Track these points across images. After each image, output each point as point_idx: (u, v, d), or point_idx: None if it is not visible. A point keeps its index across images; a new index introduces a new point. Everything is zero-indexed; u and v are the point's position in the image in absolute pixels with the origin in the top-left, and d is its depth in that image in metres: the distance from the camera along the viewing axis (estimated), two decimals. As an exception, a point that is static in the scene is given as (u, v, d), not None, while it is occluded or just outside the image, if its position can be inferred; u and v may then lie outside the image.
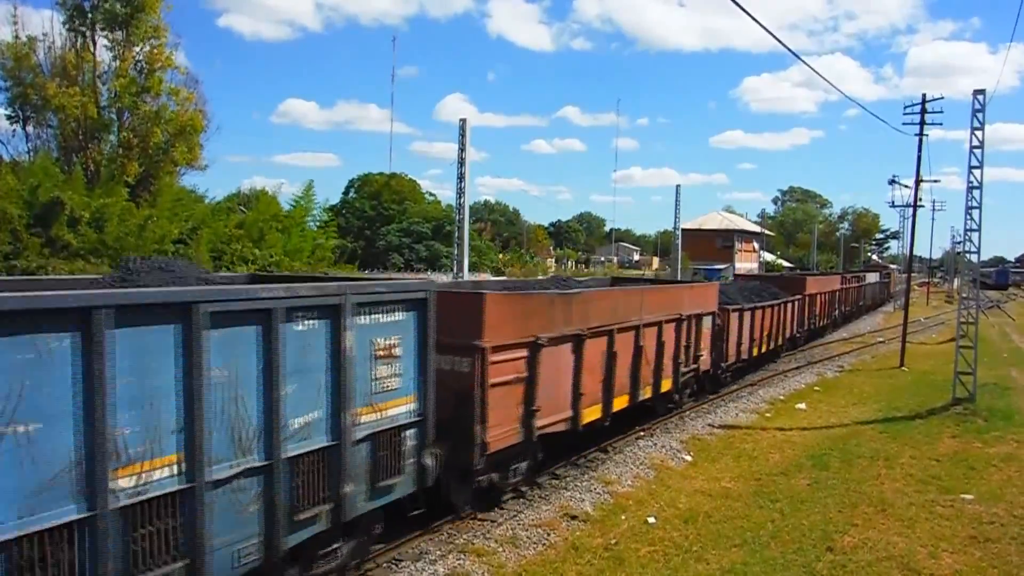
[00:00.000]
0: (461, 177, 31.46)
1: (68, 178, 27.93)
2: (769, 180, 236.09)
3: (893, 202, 52.91)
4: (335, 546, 7.30)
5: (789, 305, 25.25)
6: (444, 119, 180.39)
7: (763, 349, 22.45)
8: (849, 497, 10.93)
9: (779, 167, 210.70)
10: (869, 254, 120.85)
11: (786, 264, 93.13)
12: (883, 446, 13.94)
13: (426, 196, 77.96)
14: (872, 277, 50.58)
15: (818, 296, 30.21)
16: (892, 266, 79.44)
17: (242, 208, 37.64)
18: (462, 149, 31.53)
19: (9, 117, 30.95)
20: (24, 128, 31.14)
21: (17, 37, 29.79)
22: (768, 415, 16.83)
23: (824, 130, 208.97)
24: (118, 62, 30.77)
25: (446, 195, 76.38)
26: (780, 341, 24.50)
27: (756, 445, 13.99)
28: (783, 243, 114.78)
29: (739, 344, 19.79)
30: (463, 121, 31.80)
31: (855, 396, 19.37)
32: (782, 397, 18.97)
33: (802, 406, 17.80)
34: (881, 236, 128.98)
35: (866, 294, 46.40)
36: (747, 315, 20.29)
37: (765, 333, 22.32)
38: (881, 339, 33.02)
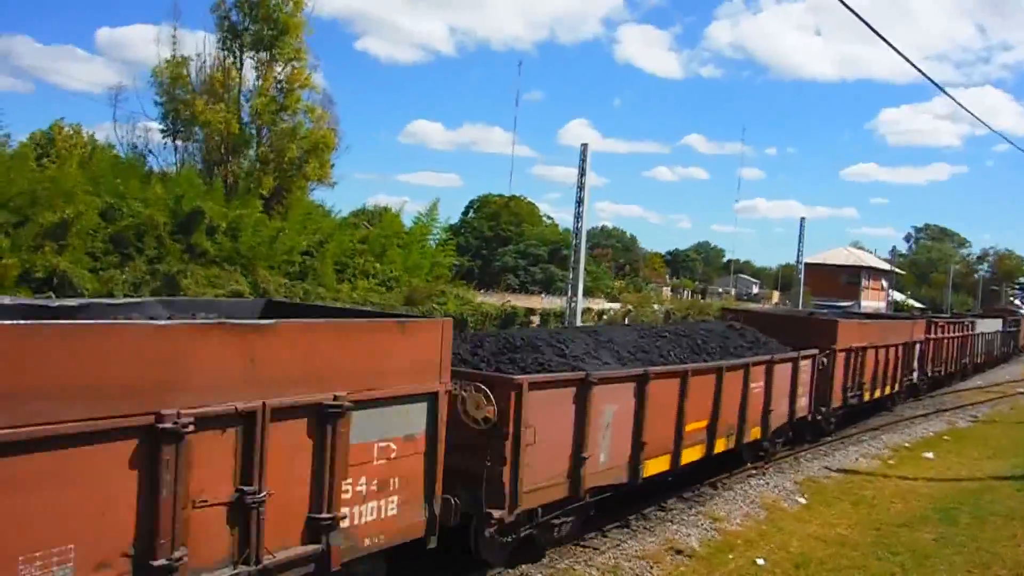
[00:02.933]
0: (580, 201, 31.53)
1: (209, 189, 29.72)
2: (902, 216, 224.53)
3: (1042, 243, 45.21)
4: None
5: (781, 371, 13.52)
6: (566, 143, 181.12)
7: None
8: (980, 557, 10.17)
9: (914, 203, 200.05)
10: (1011, 298, 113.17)
11: (916, 304, 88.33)
12: (1021, 506, 12.91)
13: (544, 219, 78.50)
14: (989, 324, 37.16)
15: (863, 353, 17.76)
16: None
17: (366, 224, 38.95)
18: (582, 173, 31.62)
19: (161, 131, 33.29)
20: (174, 142, 33.42)
21: (174, 57, 32.04)
22: (891, 461, 15.93)
23: (967, 166, 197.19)
24: (261, 81, 32.63)
25: (564, 219, 76.71)
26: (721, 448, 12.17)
27: (877, 492, 13.25)
28: (915, 282, 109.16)
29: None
30: (584, 146, 31.93)
31: (990, 448, 18.07)
32: (907, 444, 17.92)
33: (929, 455, 16.76)
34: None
35: (976, 348, 32.77)
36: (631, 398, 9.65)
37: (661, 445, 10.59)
38: (1021, 390, 30.75)
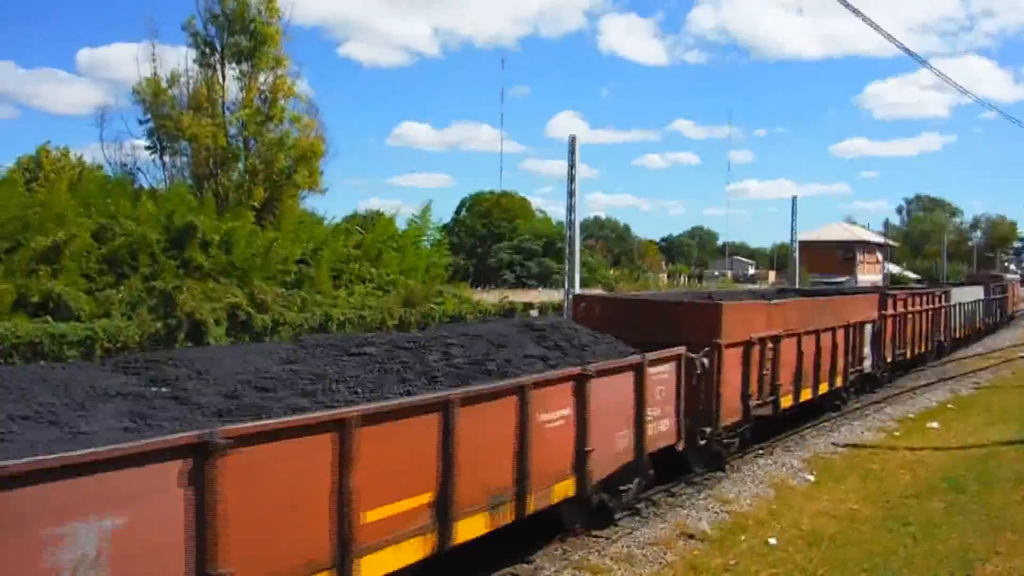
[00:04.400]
0: (571, 193, 31.49)
1: (200, 204, 29.65)
2: (895, 188, 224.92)
3: (1034, 207, 41.80)
4: None
5: (608, 388, 9.21)
6: (555, 137, 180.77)
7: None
8: (990, 522, 10.22)
9: (906, 175, 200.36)
10: (1006, 263, 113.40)
11: (912, 276, 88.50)
12: (1027, 468, 12.98)
13: (536, 213, 78.56)
14: (968, 293, 33.20)
15: (774, 344, 13.75)
16: (1013, 275, 57.59)
17: (359, 229, 38.93)
18: (572, 166, 31.58)
19: (148, 148, 33.19)
20: (161, 158, 33.30)
21: (155, 74, 31.94)
22: (897, 434, 15.99)
23: (956, 135, 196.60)
24: (244, 93, 32.53)
25: (557, 212, 76.57)
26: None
27: (884, 465, 13.30)
28: (910, 254, 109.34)
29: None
30: (572, 137, 31.86)
31: (994, 415, 18.13)
32: (911, 415, 17.98)
33: (934, 425, 16.82)
34: (1020, 245, 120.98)
35: (952, 321, 28.73)
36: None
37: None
38: (1022, 354, 30.85)
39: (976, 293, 34.73)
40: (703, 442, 11.88)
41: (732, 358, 12.32)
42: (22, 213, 24.02)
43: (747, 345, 12.78)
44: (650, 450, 10.14)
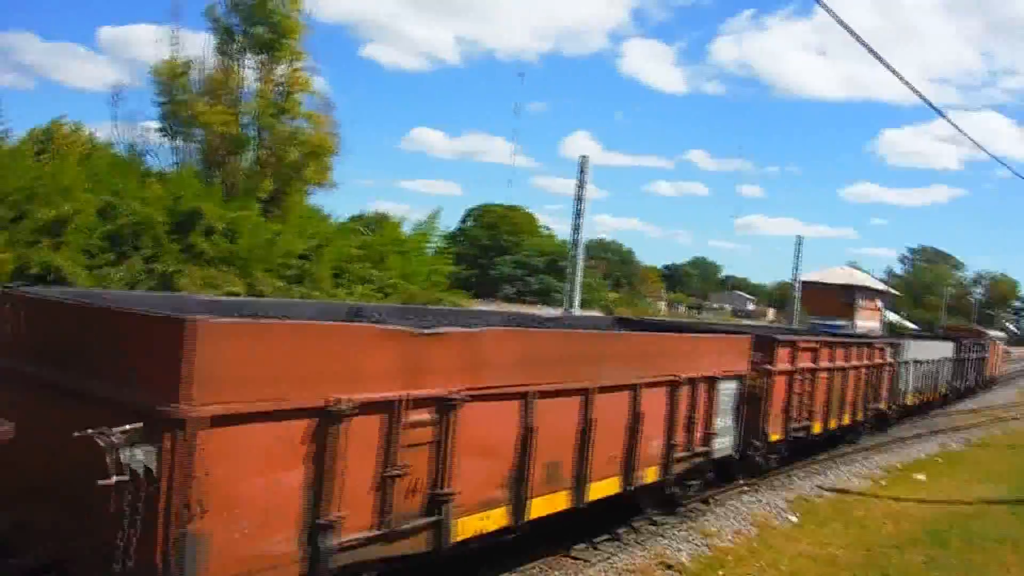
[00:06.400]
0: (578, 213, 31.59)
1: (208, 190, 29.66)
2: (901, 237, 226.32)
3: (1035, 268, 37.36)
4: None
5: None
6: (568, 155, 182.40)
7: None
8: (970, 580, 10.16)
9: (913, 224, 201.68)
10: (1006, 323, 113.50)
11: (910, 325, 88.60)
12: (1011, 530, 12.87)
13: (542, 230, 78.72)
14: (930, 349, 26.22)
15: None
16: (995, 333, 49.74)
17: (365, 230, 38.93)
18: (581, 185, 31.69)
19: (161, 131, 33.25)
20: (173, 142, 33.36)
21: (174, 57, 32.04)
22: (883, 483, 15.91)
23: (967, 188, 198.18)
24: (260, 83, 32.64)
25: (562, 230, 76.88)
26: None
27: (868, 513, 13.23)
28: (911, 304, 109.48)
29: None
30: (584, 158, 32.04)
31: (982, 472, 18.06)
32: (899, 465, 17.91)
33: (921, 477, 16.74)
34: (1020, 304, 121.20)
35: (900, 383, 22.21)
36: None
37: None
38: (1015, 415, 30.81)
39: (942, 350, 28.06)
40: None
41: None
42: (29, 183, 24.01)
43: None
44: None
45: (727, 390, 11.60)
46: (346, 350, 5.70)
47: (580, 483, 8.46)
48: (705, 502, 12.50)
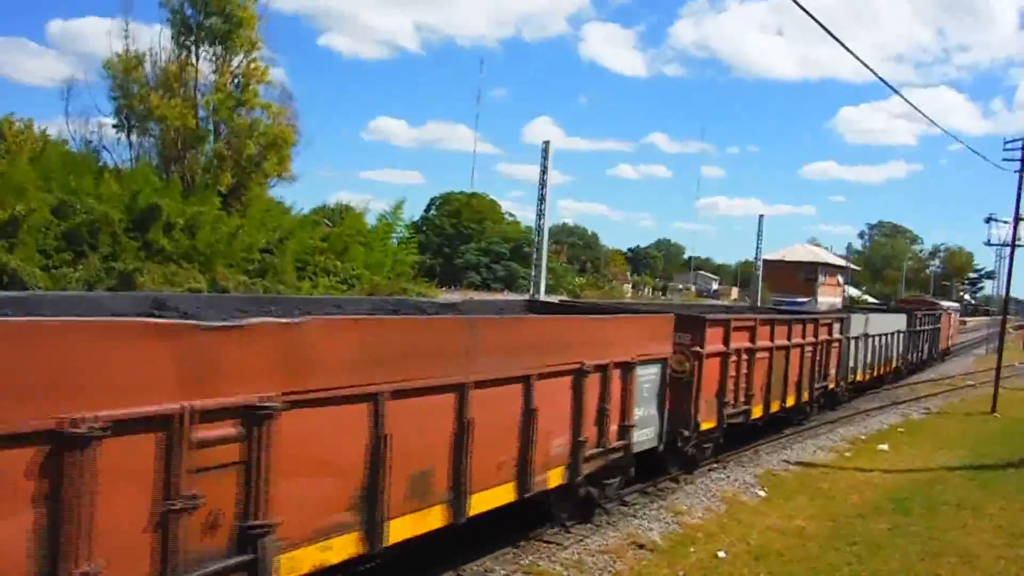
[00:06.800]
0: (542, 199, 31.64)
1: (166, 186, 29.24)
2: (860, 213, 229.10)
3: (989, 240, 38.01)
4: None
5: None
6: (530, 141, 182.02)
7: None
8: (932, 546, 10.43)
9: (871, 201, 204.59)
10: (962, 293, 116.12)
11: (871, 300, 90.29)
12: (971, 494, 13.26)
13: (506, 216, 78.73)
14: (881, 323, 25.12)
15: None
16: (949, 303, 49.48)
17: (327, 222, 38.68)
18: (544, 171, 31.74)
19: (115, 126, 32.64)
20: (128, 137, 32.79)
21: (127, 51, 31.43)
22: (848, 454, 16.25)
23: (923, 164, 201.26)
24: (216, 76, 32.16)
25: (526, 216, 76.87)
26: None
27: (833, 484, 13.51)
28: (870, 278, 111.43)
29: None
30: (546, 143, 32.08)
31: (942, 440, 18.53)
32: (863, 436, 18.29)
33: (884, 447, 17.13)
34: (975, 275, 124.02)
35: (851, 360, 21.68)
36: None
37: None
38: (972, 383, 31.57)
39: (895, 323, 27.24)
40: None
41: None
42: (-20, 184, 23.48)
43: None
44: None
45: (647, 376, 10.52)
46: (92, 354, 4.42)
47: (459, 495, 7.22)
48: (675, 481, 12.67)
